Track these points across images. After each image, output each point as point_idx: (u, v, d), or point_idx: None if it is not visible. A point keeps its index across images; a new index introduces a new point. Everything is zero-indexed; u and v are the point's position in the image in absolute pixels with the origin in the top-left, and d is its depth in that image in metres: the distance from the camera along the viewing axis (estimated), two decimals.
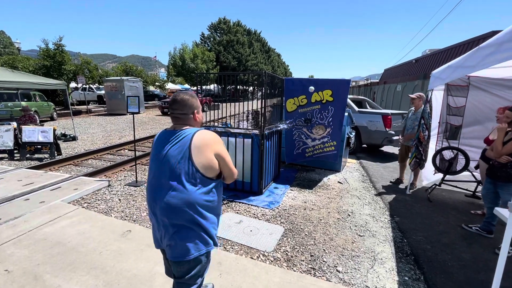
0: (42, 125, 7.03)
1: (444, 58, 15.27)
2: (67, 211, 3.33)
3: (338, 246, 2.84)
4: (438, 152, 4.28)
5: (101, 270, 2.28)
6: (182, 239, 1.36)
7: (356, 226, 3.28)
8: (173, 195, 1.34)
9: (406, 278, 2.37)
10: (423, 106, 4.46)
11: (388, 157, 7.00)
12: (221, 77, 4.60)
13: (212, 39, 36.06)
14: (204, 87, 4.90)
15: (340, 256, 2.67)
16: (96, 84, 20.50)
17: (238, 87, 7.41)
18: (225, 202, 3.87)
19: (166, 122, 13.64)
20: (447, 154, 4.20)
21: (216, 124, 4.82)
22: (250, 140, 4.03)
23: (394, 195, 4.33)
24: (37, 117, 7.81)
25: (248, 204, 3.79)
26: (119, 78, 16.50)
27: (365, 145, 7.50)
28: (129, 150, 7.37)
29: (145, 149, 7.54)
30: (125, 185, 4.52)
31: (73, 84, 18.73)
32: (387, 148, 7.84)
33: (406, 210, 3.78)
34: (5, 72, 7.82)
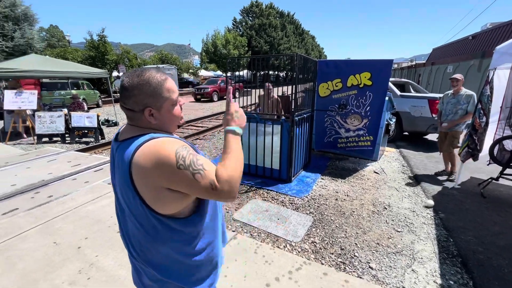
0: (88, 111, 7.63)
1: (510, 32, 13.12)
2: (107, 191, 3.58)
3: (372, 241, 2.65)
4: (499, 141, 3.71)
5: None
6: None
7: (393, 220, 3.03)
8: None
9: (451, 282, 2.12)
10: (462, 88, 4.14)
11: (432, 146, 6.34)
12: (252, 62, 4.46)
13: (244, 23, 35.60)
14: (235, 73, 4.81)
15: (373, 252, 2.48)
16: None
17: (269, 72, 7.17)
18: (253, 189, 3.84)
19: (199, 108, 13.99)
20: (510, 144, 3.62)
21: (246, 110, 4.75)
22: (279, 126, 3.89)
23: (439, 188, 3.91)
24: (85, 104, 8.50)
25: (276, 192, 3.71)
26: (155, 66, 17.21)
27: (406, 133, 6.87)
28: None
29: (179, 134, 7.82)
30: None
31: (115, 73, 20.03)
32: (432, 136, 7.11)
33: (454, 206, 3.38)
34: (58, 63, 8.57)
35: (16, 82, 7.30)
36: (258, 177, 4.22)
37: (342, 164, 5.01)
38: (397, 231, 2.82)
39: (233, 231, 2.77)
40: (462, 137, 4.15)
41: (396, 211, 3.24)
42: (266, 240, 2.63)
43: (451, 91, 4.27)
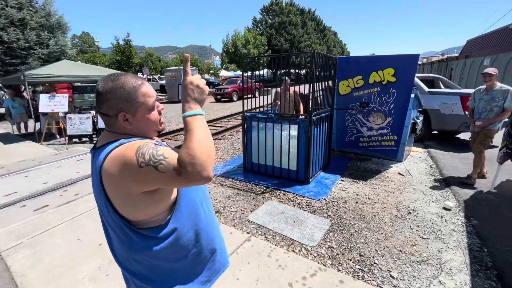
0: None
1: None
2: None
3: (394, 247, 2.49)
4: None
5: None
6: None
7: (418, 226, 2.82)
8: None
9: None
10: (497, 83, 3.71)
11: (465, 146, 5.87)
12: (271, 61, 4.41)
13: (263, 22, 35.51)
14: (255, 72, 4.78)
15: (395, 259, 2.33)
16: (158, 75, 22.47)
17: (290, 70, 7.06)
18: (269, 190, 3.79)
19: (219, 108, 14.17)
20: None
21: (263, 110, 4.71)
22: (296, 126, 3.80)
23: (472, 192, 3.60)
24: None
25: (293, 194, 3.63)
26: (176, 68, 17.69)
27: (435, 132, 6.43)
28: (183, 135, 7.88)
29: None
30: None
31: (139, 75, 20.89)
32: (465, 135, 6.59)
33: (489, 212, 3.09)
34: (87, 67, 9.12)
35: (51, 86, 7.86)
36: (274, 177, 4.16)
37: (364, 165, 4.79)
38: (422, 238, 2.62)
39: (248, 232, 2.74)
40: (497, 136, 3.80)
41: (422, 216, 3.03)
42: (281, 243, 2.57)
43: (483, 87, 3.88)
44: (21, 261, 2.35)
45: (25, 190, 3.81)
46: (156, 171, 0.71)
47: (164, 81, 21.45)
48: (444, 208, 3.17)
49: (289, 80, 4.75)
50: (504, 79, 14.40)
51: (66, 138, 6.88)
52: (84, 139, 7.17)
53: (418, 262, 2.29)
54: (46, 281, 2.11)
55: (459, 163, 4.76)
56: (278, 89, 4.74)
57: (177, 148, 0.82)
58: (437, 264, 2.25)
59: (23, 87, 9.92)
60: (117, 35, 16.95)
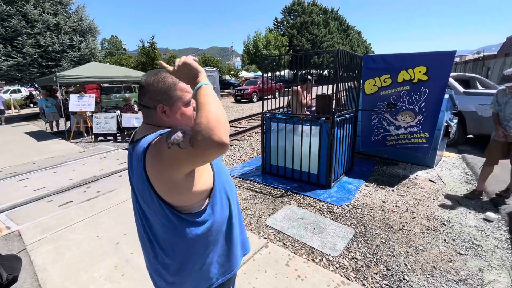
0: (138, 112, 8.26)
1: None
2: None
3: (427, 262, 2.25)
4: None
5: None
6: None
7: (454, 240, 2.55)
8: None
9: None
10: None
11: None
12: (292, 61, 4.27)
13: (285, 22, 35.25)
14: (275, 73, 4.66)
15: (428, 276, 2.10)
16: None
17: (312, 71, 6.87)
18: (288, 193, 3.64)
19: (238, 109, 14.19)
20: None
21: (282, 110, 4.57)
22: (318, 127, 3.62)
23: None
24: (135, 106, 9.24)
25: (314, 198, 3.46)
26: None
27: (471, 136, 5.92)
28: None
29: None
30: None
31: None
32: None
33: None
34: (114, 69, 9.50)
35: (80, 87, 8.26)
36: (294, 181, 4.01)
37: (391, 169, 4.49)
38: (459, 253, 2.36)
39: (265, 238, 2.62)
40: None
41: (458, 228, 2.74)
42: (300, 251, 2.42)
43: (504, 87, 3.28)
44: (44, 255, 2.41)
45: (53, 186, 3.97)
46: (179, 148, 0.74)
47: None
48: (485, 220, 2.85)
49: (312, 81, 4.58)
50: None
51: (92, 136, 7.18)
52: (108, 138, 7.45)
53: (455, 281, 2.04)
54: (65, 278, 2.14)
55: (500, 171, 4.29)
56: (298, 88, 4.56)
57: None
58: (478, 285, 2.00)
59: (57, 88, 10.55)
60: (142, 38, 17.48)
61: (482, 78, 6.85)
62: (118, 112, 7.62)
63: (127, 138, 7.29)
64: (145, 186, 0.85)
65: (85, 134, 7.85)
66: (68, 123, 8.47)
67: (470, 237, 2.58)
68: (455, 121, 4.92)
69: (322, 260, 2.30)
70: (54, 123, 8.96)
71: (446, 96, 4.18)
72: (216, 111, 0.74)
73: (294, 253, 2.38)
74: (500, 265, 2.20)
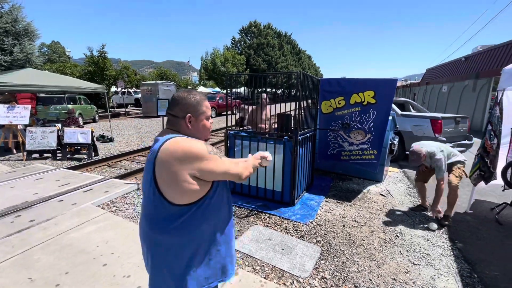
0: (83, 126, 7.41)
1: (502, 55, 13.46)
2: (95, 215, 3.29)
3: (388, 275, 2.38)
4: (511, 164, 3.55)
5: (121, 287, 2.10)
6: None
7: (407, 251, 2.77)
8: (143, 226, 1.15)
9: None
10: (422, 153, 3.35)
11: None
12: (250, 79, 4.36)
13: (242, 42, 36.47)
14: (234, 90, 4.69)
15: None
16: (134, 88, 21.71)
17: (267, 89, 7.12)
18: (253, 213, 3.58)
19: None
20: None
21: (244, 128, 4.58)
22: (281, 145, 3.70)
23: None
24: (80, 119, 8.32)
25: (279, 217, 3.45)
26: (154, 82, 17.23)
27: (408, 152, 6.72)
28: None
29: None
30: None
31: (113, 88, 20.00)
32: None
33: (470, 234, 3.15)
34: (55, 77, 8.46)
35: (11, 96, 7.11)
36: (259, 199, 3.97)
37: (346, 185, 4.79)
38: (414, 263, 2.56)
39: None
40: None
41: (409, 239, 2.99)
42: (271, 275, 2.35)
43: None
44: None
45: None
46: (214, 174, 1.10)
47: (139, 95, 20.75)
48: (429, 229, 3.19)
49: (266, 97, 4.73)
50: (460, 105, 15.88)
51: (25, 153, 6.16)
52: (46, 155, 6.46)
53: None
54: None
55: (434, 183, 4.92)
56: (248, 107, 4.69)
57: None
58: None
59: None
60: (91, 46, 16.12)
61: (414, 102, 7.96)
62: (59, 125, 6.71)
63: (69, 156, 6.42)
64: (149, 178, 1.06)
65: (14, 151, 6.69)
66: None
67: (420, 247, 2.84)
68: (397, 139, 5.55)
69: (293, 283, 2.26)
70: None
71: (390, 118, 4.69)
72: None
73: (265, 277, 2.29)
74: (447, 272, 2.45)
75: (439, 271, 2.45)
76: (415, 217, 3.58)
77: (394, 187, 4.75)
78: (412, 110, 7.76)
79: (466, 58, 18.87)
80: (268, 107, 4.81)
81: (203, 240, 1.10)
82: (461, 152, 6.19)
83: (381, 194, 4.37)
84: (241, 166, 1.19)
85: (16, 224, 3.08)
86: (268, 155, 1.39)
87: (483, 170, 3.60)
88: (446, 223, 3.31)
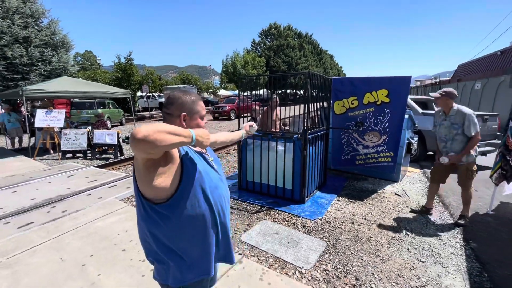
0: (111, 129, 8.00)
1: None
2: (118, 207, 3.61)
3: (392, 271, 2.38)
4: None
5: (136, 270, 2.33)
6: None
7: (416, 249, 2.73)
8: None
9: None
10: (454, 105, 3.15)
11: None
12: (270, 81, 4.51)
13: (262, 45, 36.75)
14: (253, 92, 4.86)
15: (393, 284, 2.22)
16: (158, 93, 22.80)
17: (287, 90, 7.21)
18: (264, 209, 3.70)
19: (217, 126, 14.23)
20: None
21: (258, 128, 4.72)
22: (291, 144, 3.79)
23: (470, 214, 3.53)
24: (108, 122, 8.97)
25: (288, 213, 3.54)
26: (175, 86, 18.02)
27: (431, 152, 6.45)
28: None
29: None
30: None
31: (139, 93, 21.17)
32: None
33: (488, 235, 3.02)
34: (87, 84, 9.23)
35: (49, 102, 7.89)
36: (269, 196, 4.08)
37: (361, 184, 4.74)
38: (420, 261, 2.53)
39: (240, 253, 2.63)
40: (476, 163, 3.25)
41: (420, 238, 2.94)
42: (274, 265, 2.46)
43: (440, 109, 3.35)
44: None
45: (12, 206, 3.68)
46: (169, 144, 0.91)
47: (163, 99, 21.74)
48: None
49: (277, 99, 4.83)
50: (495, 103, 14.77)
51: (60, 153, 6.80)
52: (78, 155, 7.08)
53: (417, 287, 2.18)
54: None
55: (455, 184, 4.71)
56: (258, 107, 4.82)
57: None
58: None
59: (21, 102, 9.95)
60: (119, 54, 17.25)
61: None
62: (89, 128, 7.32)
63: (97, 155, 6.98)
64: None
65: (51, 151, 7.40)
66: (32, 139, 7.95)
67: (430, 245, 2.79)
68: (416, 138, 5.37)
69: (295, 273, 2.35)
70: (16, 140, 8.37)
71: (406, 116, 4.58)
72: (157, 128, 0.87)
73: (268, 267, 2.41)
74: (456, 270, 2.39)
75: (447, 269, 2.40)
76: (430, 217, 3.48)
77: (411, 187, 4.62)
78: (436, 109, 7.42)
79: (502, 52, 17.53)
80: (278, 108, 4.92)
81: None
82: (490, 152, 5.83)
83: (396, 194, 4.28)
84: (198, 130, 1.01)
85: (51, 214, 3.47)
86: (252, 123, 1.79)
87: (505, 169, 3.42)
88: (462, 222, 3.19)
